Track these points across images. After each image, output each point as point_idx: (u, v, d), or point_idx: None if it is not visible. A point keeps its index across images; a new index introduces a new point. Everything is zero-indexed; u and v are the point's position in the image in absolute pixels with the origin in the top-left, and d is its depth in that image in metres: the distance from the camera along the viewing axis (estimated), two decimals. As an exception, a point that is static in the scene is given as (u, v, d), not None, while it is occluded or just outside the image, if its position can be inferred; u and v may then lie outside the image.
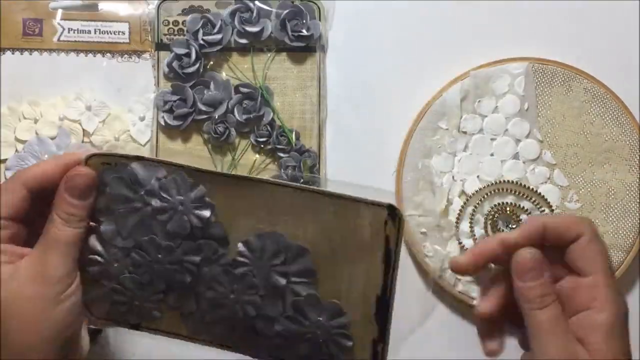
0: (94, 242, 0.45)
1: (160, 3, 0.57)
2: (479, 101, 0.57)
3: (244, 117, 0.56)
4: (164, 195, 0.45)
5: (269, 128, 0.57)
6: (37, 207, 0.44)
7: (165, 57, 0.57)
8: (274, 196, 0.45)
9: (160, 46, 0.57)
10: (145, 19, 0.58)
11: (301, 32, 0.57)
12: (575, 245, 0.42)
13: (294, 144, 0.57)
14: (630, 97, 0.57)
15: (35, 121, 0.56)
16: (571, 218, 0.43)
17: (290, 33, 0.57)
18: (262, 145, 0.57)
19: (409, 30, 0.59)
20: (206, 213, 0.45)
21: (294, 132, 0.57)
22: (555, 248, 0.42)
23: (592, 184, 0.57)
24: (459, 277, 0.56)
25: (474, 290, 0.56)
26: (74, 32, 0.58)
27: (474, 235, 0.55)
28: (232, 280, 0.45)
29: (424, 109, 0.57)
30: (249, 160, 0.57)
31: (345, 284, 0.45)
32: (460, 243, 0.55)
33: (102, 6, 0.58)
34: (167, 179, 0.45)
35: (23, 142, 0.56)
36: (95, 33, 0.58)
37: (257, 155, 0.57)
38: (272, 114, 0.57)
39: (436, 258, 0.56)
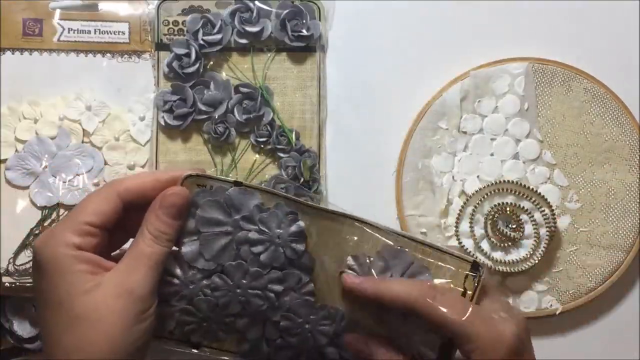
0: (170, 263, 0.44)
1: (160, 3, 0.57)
2: (479, 101, 0.57)
3: (244, 117, 0.56)
4: (263, 229, 0.45)
5: (269, 128, 0.57)
6: (125, 218, 0.44)
7: (165, 57, 0.57)
8: (363, 235, 0.46)
9: (160, 46, 0.57)
10: (145, 19, 0.58)
11: (301, 32, 0.57)
12: (420, 315, 0.43)
13: (294, 144, 0.57)
14: (630, 97, 0.57)
15: (35, 121, 0.56)
16: (405, 286, 0.44)
17: (290, 33, 0.57)
18: (262, 145, 0.57)
19: (409, 30, 0.59)
20: (301, 247, 0.45)
21: (294, 132, 0.57)
22: None
23: (592, 184, 0.57)
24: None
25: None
26: (74, 32, 0.57)
27: (474, 235, 0.55)
28: (310, 311, 0.45)
29: (424, 109, 0.57)
30: (248, 161, 0.57)
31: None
32: (460, 243, 0.55)
33: (102, 6, 0.58)
34: (269, 213, 0.45)
35: (23, 142, 0.56)
36: (95, 33, 0.58)
37: (257, 155, 0.57)
38: (272, 114, 0.57)
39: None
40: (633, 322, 0.58)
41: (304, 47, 0.58)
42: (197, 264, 0.44)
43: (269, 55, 0.58)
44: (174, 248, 0.44)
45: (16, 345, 0.56)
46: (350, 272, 0.45)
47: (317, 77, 0.58)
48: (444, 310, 0.42)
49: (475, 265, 0.45)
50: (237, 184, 0.45)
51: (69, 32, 0.57)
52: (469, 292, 0.44)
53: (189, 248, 0.44)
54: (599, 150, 0.57)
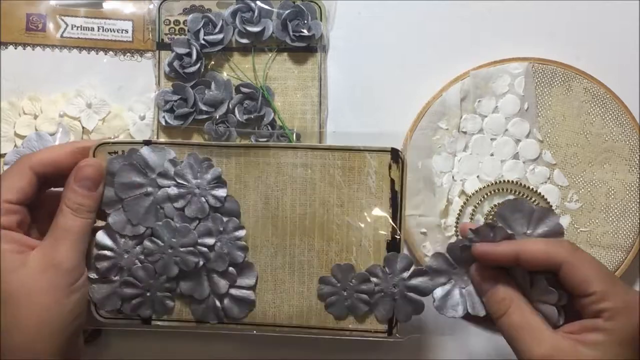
0: (101, 237, 0.46)
1: (162, 2, 0.58)
2: (479, 101, 0.57)
3: (245, 117, 0.56)
4: (180, 182, 0.45)
5: (269, 128, 0.57)
6: (41, 192, 0.44)
7: (166, 56, 0.57)
8: (279, 161, 0.47)
9: (161, 45, 0.58)
10: (148, 18, 0.58)
11: (302, 32, 0.57)
12: (562, 275, 0.42)
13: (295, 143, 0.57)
14: (630, 97, 0.57)
15: (35, 117, 0.56)
16: (547, 247, 0.43)
17: (291, 33, 0.57)
18: None
19: (409, 30, 0.59)
20: (222, 192, 0.46)
21: (294, 133, 0.57)
22: None
23: (592, 184, 0.56)
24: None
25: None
26: (77, 29, 0.58)
27: (474, 235, 0.55)
28: (246, 254, 0.47)
29: (424, 109, 0.58)
30: None
31: (356, 237, 0.47)
32: (459, 243, 0.55)
33: (106, 4, 0.58)
34: (182, 164, 0.46)
35: (22, 137, 0.56)
36: (98, 30, 0.58)
37: None
38: (272, 114, 0.57)
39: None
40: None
41: (305, 47, 0.58)
42: (125, 231, 0.45)
43: (270, 55, 0.58)
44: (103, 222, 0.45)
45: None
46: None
47: (318, 78, 0.58)
48: (587, 272, 0.41)
49: (395, 152, 0.47)
50: (147, 142, 0.46)
51: (72, 29, 0.58)
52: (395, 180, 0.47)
53: (115, 217, 0.45)
54: (599, 150, 0.56)
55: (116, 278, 0.46)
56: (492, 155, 0.57)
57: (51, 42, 0.58)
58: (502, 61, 0.57)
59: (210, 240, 0.46)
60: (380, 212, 0.47)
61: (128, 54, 0.58)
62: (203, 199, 0.46)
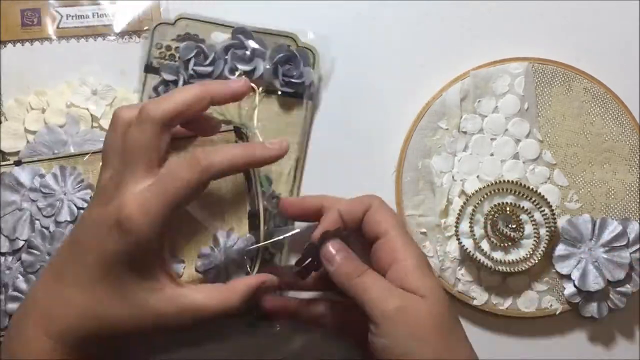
0: None
1: (157, 25, 0.57)
2: (479, 101, 0.57)
3: None
4: (47, 192, 0.50)
5: None
6: None
7: (153, 80, 0.56)
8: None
9: (149, 68, 0.57)
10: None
11: (292, 78, 0.56)
12: (367, 215, 0.50)
13: (266, 190, 0.56)
14: (630, 97, 0.57)
15: (43, 111, 0.56)
16: (359, 197, 0.51)
17: (281, 77, 0.56)
18: None
19: (409, 30, 0.59)
20: (87, 194, 0.50)
21: (267, 178, 0.56)
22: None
23: (592, 184, 0.56)
24: (459, 277, 0.56)
25: (473, 291, 0.56)
26: (72, 18, 0.57)
27: (474, 235, 0.55)
28: None
29: (424, 109, 0.57)
30: None
31: (219, 220, 0.51)
32: (460, 243, 0.55)
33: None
34: (48, 176, 0.50)
35: (33, 132, 0.56)
36: (93, 17, 0.57)
37: None
38: None
39: (436, 258, 0.56)
40: (633, 322, 0.58)
41: (293, 94, 0.57)
42: (4, 248, 0.49)
43: (257, 95, 0.55)
44: None
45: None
46: None
47: (301, 125, 0.57)
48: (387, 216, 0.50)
49: (237, 130, 0.51)
50: (17, 163, 0.51)
51: (67, 19, 0.57)
52: None
53: None
54: (599, 150, 0.57)
55: (1, 297, 0.48)
56: (492, 155, 0.57)
57: (49, 35, 0.57)
58: (502, 61, 0.57)
59: None
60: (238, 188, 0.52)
61: (126, 36, 0.58)
62: (71, 203, 0.50)
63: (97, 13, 0.58)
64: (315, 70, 0.57)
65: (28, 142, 0.56)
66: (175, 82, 0.56)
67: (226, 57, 0.56)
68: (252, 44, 0.56)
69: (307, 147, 0.58)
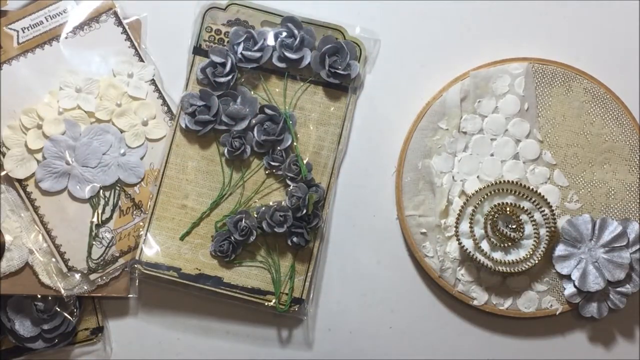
0: None
1: (208, 9, 0.57)
2: (479, 101, 0.57)
3: (263, 137, 0.56)
4: None
5: (283, 154, 0.56)
6: None
7: (200, 61, 0.57)
8: None
9: (198, 50, 0.57)
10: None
11: (338, 69, 0.56)
12: None
13: (304, 175, 0.56)
14: (630, 97, 0.57)
15: (39, 127, 0.56)
16: None
17: (327, 68, 0.57)
18: (273, 170, 0.57)
19: (409, 30, 0.59)
20: None
21: (307, 164, 0.57)
22: None
23: (592, 184, 0.57)
24: (460, 277, 0.56)
25: (473, 291, 0.56)
26: (28, 30, 0.57)
27: (474, 235, 0.55)
28: None
29: (424, 109, 0.57)
30: (257, 181, 0.57)
31: None
32: (460, 243, 0.55)
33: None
34: None
35: (38, 151, 0.56)
36: (47, 21, 0.57)
37: (267, 178, 0.57)
38: (290, 141, 0.56)
39: (436, 258, 0.56)
40: (633, 322, 0.58)
41: (338, 85, 0.57)
42: None
43: (302, 84, 0.57)
44: None
45: (18, 345, 0.56)
46: None
47: (343, 117, 0.58)
48: None
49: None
50: None
51: (24, 32, 0.57)
52: None
53: None
54: (599, 151, 0.57)
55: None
56: (492, 155, 0.57)
57: (12, 54, 0.57)
58: (502, 61, 0.57)
59: None
60: None
61: (85, 27, 0.58)
62: None
63: (49, 16, 0.57)
64: (361, 64, 0.57)
65: (38, 161, 0.56)
66: (223, 65, 0.56)
67: (275, 44, 0.56)
68: (300, 33, 0.57)
69: (348, 139, 0.58)
